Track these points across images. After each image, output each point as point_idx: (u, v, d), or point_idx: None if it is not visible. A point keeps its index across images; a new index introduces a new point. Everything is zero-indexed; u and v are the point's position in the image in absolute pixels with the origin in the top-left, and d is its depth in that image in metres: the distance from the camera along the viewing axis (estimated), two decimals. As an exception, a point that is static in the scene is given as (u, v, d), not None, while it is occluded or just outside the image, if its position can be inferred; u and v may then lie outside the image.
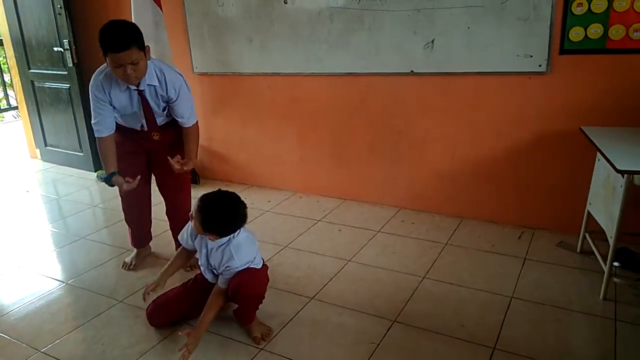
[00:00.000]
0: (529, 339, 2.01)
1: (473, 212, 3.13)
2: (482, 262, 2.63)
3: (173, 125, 2.47)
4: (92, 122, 2.34)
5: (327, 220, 3.25)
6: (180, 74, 2.39)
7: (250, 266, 2.00)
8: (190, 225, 2.08)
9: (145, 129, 2.43)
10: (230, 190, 2.00)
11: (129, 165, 2.43)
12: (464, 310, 2.23)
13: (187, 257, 2.21)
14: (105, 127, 2.33)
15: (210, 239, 1.97)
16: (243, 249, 1.98)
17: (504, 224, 3.03)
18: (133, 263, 2.74)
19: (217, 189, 1.99)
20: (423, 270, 2.58)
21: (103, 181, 2.35)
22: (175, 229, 2.60)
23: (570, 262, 2.59)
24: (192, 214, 1.95)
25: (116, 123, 2.39)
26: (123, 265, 2.75)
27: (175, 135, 2.49)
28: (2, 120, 8.02)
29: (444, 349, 1.98)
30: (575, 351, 1.94)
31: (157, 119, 2.42)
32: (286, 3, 3.29)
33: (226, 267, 1.97)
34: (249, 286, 1.96)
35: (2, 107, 7.42)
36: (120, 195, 2.63)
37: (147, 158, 2.57)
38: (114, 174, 2.33)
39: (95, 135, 2.36)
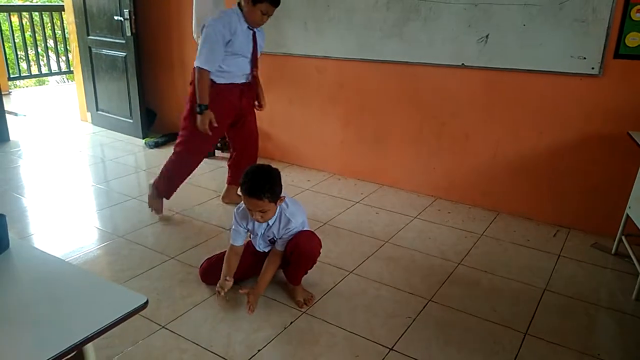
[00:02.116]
0: (559, 328, 2.10)
1: (509, 207, 3.20)
2: (516, 255, 2.71)
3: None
4: (202, 59, 2.69)
5: (365, 203, 3.36)
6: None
7: (305, 227, 2.16)
8: (236, 220, 2.19)
9: (249, 74, 2.88)
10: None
11: (222, 131, 2.94)
12: (497, 296, 2.32)
13: (239, 254, 2.24)
14: (214, 64, 2.72)
15: (267, 217, 2.09)
16: (295, 212, 2.15)
17: (539, 221, 3.10)
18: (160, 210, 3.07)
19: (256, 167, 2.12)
20: (458, 257, 2.67)
21: (198, 108, 2.73)
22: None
23: (604, 262, 2.65)
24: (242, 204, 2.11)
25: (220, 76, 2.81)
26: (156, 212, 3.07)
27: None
28: (47, 84, 8.33)
29: (477, 329, 2.08)
30: (604, 344, 2.03)
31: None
32: (344, -11, 3.38)
33: (286, 229, 2.13)
34: (305, 244, 2.12)
35: (52, 71, 7.70)
36: (187, 145, 2.94)
37: (231, 121, 2.99)
38: (206, 106, 2.74)
39: (206, 68, 2.70)
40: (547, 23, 2.77)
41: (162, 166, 3.04)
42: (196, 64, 2.72)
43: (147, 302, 1.17)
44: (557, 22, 2.74)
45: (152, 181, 3.06)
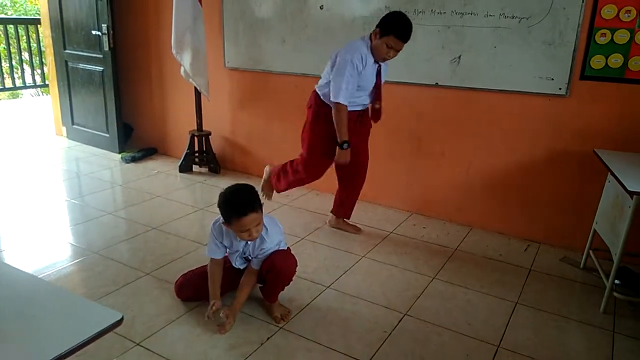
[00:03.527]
0: (531, 341, 2.15)
1: (482, 222, 3.28)
2: (489, 269, 2.77)
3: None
4: (342, 95, 2.64)
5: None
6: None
7: (280, 247, 2.17)
8: (213, 235, 2.19)
9: (369, 103, 2.85)
10: (249, 183, 2.15)
11: (328, 152, 2.87)
12: (470, 310, 2.37)
13: (221, 265, 2.23)
14: (350, 98, 2.69)
15: (260, 227, 2.09)
16: (271, 232, 2.14)
17: (511, 236, 3.18)
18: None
19: (233, 181, 2.16)
20: (433, 271, 2.72)
21: (341, 146, 2.74)
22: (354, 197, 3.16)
23: (573, 276, 2.72)
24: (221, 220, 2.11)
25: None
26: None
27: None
28: (21, 97, 8.19)
29: (451, 343, 2.12)
30: (574, 357, 2.08)
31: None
32: (322, 8, 3.45)
33: (260, 249, 2.13)
34: (281, 263, 2.13)
35: (27, 84, 7.57)
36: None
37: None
38: (348, 143, 2.75)
39: (342, 103, 2.65)
40: (517, 45, 2.88)
41: (286, 162, 3.10)
42: (334, 99, 2.65)
43: (122, 319, 1.17)
44: (527, 44, 2.85)
45: (270, 168, 3.18)
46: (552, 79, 2.82)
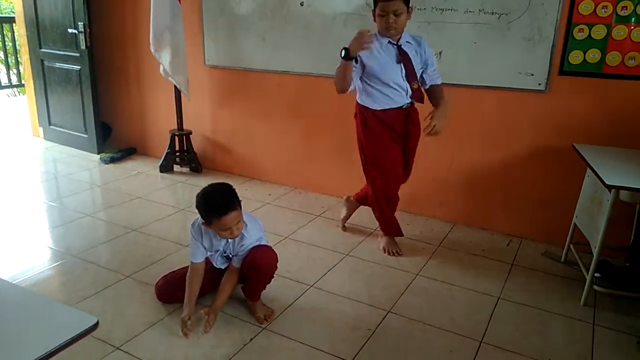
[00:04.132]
0: (513, 336, 2.16)
1: (465, 218, 3.29)
2: (472, 265, 2.78)
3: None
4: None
5: (326, 216, 3.38)
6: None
7: (261, 243, 2.16)
8: (193, 237, 2.16)
9: (410, 95, 2.59)
10: (230, 182, 2.13)
11: (391, 152, 2.68)
12: (454, 306, 2.38)
13: (201, 272, 2.20)
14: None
15: (241, 225, 2.07)
16: (250, 228, 2.14)
17: (494, 232, 3.20)
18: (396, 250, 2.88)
19: (215, 180, 2.14)
20: (417, 267, 2.72)
21: (342, 51, 2.41)
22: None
23: (554, 270, 2.75)
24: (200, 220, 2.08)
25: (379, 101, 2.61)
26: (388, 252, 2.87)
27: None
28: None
29: (434, 339, 2.12)
30: (556, 350, 2.09)
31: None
32: (302, 5, 3.43)
33: (240, 245, 2.12)
34: (262, 258, 2.12)
35: (2, 84, 7.41)
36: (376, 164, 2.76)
37: (402, 147, 2.73)
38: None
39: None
40: (496, 41, 2.89)
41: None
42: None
43: (97, 323, 1.14)
44: (506, 40, 2.86)
45: (381, 234, 2.94)
46: (532, 75, 2.84)
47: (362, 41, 2.37)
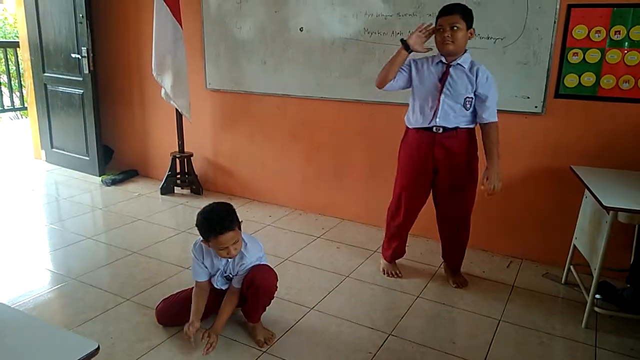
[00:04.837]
0: (515, 359, 2.15)
1: (465, 239, 3.29)
2: (473, 287, 2.78)
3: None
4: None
5: (326, 238, 3.39)
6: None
7: (261, 262, 2.18)
8: (195, 257, 2.19)
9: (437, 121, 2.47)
10: (232, 203, 2.16)
11: (414, 184, 2.65)
12: (455, 328, 2.37)
13: (206, 290, 2.22)
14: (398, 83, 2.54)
15: (239, 245, 2.09)
16: (250, 247, 2.16)
17: (494, 253, 3.20)
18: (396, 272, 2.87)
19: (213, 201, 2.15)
20: (417, 289, 2.71)
21: (401, 42, 2.42)
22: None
23: (555, 291, 2.75)
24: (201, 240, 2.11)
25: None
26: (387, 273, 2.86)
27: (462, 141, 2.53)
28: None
29: (436, 362, 2.11)
30: (557, 372, 2.09)
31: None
32: (302, 30, 3.50)
33: (240, 264, 2.14)
34: (261, 278, 2.12)
35: (5, 108, 7.48)
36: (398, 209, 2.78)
37: (432, 176, 2.63)
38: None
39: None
40: (493, 65, 2.92)
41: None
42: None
43: (98, 348, 1.15)
44: (502, 64, 2.91)
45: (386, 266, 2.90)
46: (528, 97, 2.89)
47: (419, 29, 2.42)
